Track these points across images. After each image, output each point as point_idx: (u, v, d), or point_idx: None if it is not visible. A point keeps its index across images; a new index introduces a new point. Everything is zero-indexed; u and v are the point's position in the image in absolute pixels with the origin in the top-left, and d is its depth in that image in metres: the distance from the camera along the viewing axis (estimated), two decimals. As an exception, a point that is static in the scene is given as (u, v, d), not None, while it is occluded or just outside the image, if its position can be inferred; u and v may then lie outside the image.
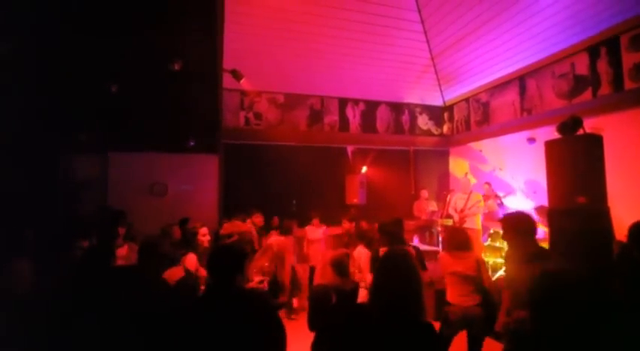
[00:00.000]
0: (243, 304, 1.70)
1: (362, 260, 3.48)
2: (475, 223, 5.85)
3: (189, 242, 3.71)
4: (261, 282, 3.19)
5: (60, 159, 5.57)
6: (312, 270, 4.91)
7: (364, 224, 4.11)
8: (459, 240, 3.15)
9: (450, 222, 6.56)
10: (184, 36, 4.45)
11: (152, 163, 6.52)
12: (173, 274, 2.76)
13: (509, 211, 6.36)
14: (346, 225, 5.56)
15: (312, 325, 2.37)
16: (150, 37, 4.32)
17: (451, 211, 6.39)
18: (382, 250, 2.91)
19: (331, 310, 2.35)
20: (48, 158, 5.21)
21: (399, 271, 1.57)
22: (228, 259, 1.81)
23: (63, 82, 4.48)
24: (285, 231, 5.13)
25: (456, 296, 3.00)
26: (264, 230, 5.70)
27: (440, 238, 7.42)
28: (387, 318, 1.48)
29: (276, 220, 6.18)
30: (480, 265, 3.03)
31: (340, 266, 2.59)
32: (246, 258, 1.92)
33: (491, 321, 2.75)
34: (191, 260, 3.19)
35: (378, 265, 1.72)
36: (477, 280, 2.97)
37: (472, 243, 3.25)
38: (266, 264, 3.66)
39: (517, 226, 2.47)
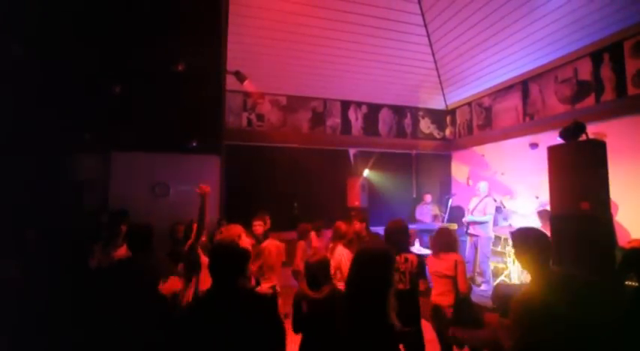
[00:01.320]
0: (244, 304, 1.70)
1: (343, 260, 3.48)
2: (485, 230, 5.86)
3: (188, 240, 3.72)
4: (273, 287, 3.18)
5: (63, 158, 5.59)
6: None
7: (342, 225, 4.03)
8: (445, 241, 3.32)
9: (454, 226, 6.56)
10: (188, 38, 4.48)
11: (154, 163, 6.53)
12: (171, 285, 2.78)
13: (509, 215, 6.36)
14: (357, 226, 5.35)
15: (294, 329, 2.54)
16: (154, 39, 4.35)
17: (466, 214, 6.41)
18: None
19: (304, 318, 2.45)
20: (51, 157, 5.24)
21: (367, 271, 1.80)
22: (230, 259, 1.81)
23: (68, 83, 4.51)
24: (301, 235, 5.13)
25: (435, 295, 3.25)
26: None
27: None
28: (354, 317, 1.69)
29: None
30: (458, 265, 3.18)
31: (313, 276, 2.53)
32: (248, 259, 1.92)
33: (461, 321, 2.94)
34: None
35: (350, 264, 1.89)
36: (454, 280, 3.15)
37: (457, 245, 3.41)
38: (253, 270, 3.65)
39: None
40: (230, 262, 1.79)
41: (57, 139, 5.21)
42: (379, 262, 1.81)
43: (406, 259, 2.92)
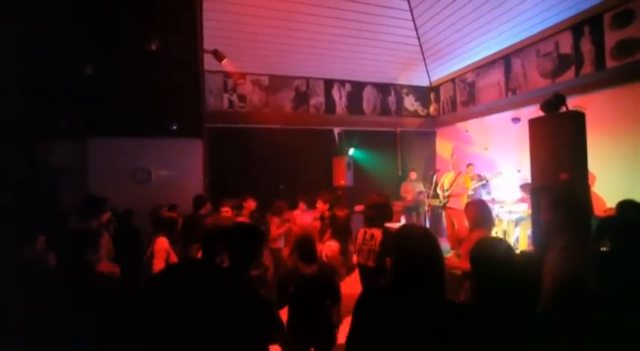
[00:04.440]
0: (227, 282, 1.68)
1: (332, 256, 3.32)
2: (460, 203, 5.96)
3: (164, 226, 3.30)
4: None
5: (36, 146, 5.37)
6: None
7: (340, 213, 3.64)
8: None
9: (437, 202, 6.68)
10: (164, 16, 4.27)
11: (134, 148, 6.33)
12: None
13: (492, 189, 6.50)
14: (320, 206, 5.12)
15: (278, 306, 2.47)
16: (129, 17, 4.13)
17: (438, 190, 6.51)
18: (360, 231, 2.90)
19: (289, 297, 2.40)
20: (23, 146, 5.02)
21: (420, 249, 1.47)
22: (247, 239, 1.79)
23: (36, 65, 4.27)
24: (275, 212, 5.07)
25: None
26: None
27: (427, 218, 7.56)
28: (415, 297, 1.39)
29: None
30: None
31: (302, 250, 2.50)
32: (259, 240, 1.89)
33: None
34: (161, 243, 2.95)
35: (396, 242, 1.60)
36: None
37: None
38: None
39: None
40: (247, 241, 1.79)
41: (28, 126, 4.98)
42: (424, 241, 1.53)
43: (372, 236, 2.81)
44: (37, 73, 4.36)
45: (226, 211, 4.18)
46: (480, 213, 3.01)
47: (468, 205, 3.16)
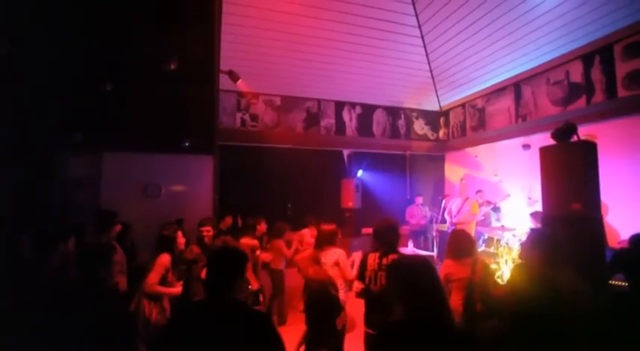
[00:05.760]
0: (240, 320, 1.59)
1: (341, 259, 3.26)
2: (469, 229, 5.88)
3: (165, 244, 3.27)
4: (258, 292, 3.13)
5: (53, 159, 5.51)
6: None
7: (326, 227, 3.63)
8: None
9: (445, 227, 6.59)
10: (181, 36, 4.43)
11: (146, 163, 6.44)
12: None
13: (502, 216, 6.41)
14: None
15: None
16: (147, 36, 4.30)
17: (446, 216, 6.45)
18: (371, 256, 2.81)
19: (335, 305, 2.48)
20: (41, 159, 5.15)
21: (431, 283, 1.52)
22: (229, 264, 1.70)
23: (58, 81, 4.44)
24: (277, 234, 5.00)
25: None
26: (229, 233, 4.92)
27: (434, 243, 7.44)
28: (432, 331, 1.43)
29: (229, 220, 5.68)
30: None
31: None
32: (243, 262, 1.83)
33: None
34: (163, 259, 2.97)
35: (396, 275, 1.61)
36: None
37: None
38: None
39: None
40: (229, 267, 1.70)
41: (46, 140, 5.13)
42: (432, 278, 1.57)
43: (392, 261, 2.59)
44: (55, 86, 4.52)
45: (207, 230, 4.05)
46: (450, 242, 3.05)
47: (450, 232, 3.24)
